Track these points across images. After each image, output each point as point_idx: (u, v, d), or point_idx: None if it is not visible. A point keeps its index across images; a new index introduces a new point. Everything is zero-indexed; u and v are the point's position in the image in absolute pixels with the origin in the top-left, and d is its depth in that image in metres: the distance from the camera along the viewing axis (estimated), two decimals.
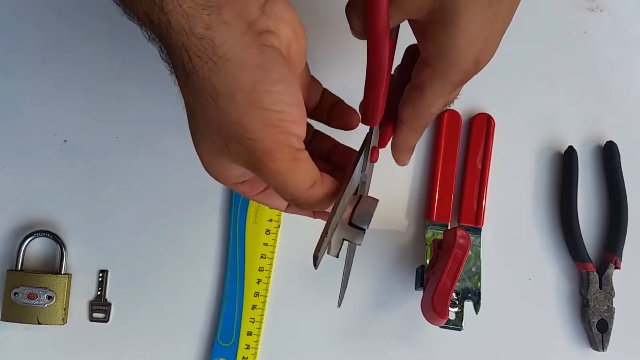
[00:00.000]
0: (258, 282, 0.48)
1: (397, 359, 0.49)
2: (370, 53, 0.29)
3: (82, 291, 0.48)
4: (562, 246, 0.50)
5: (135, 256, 0.49)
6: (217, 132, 0.30)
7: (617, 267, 0.49)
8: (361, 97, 0.33)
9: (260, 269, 0.48)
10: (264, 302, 0.48)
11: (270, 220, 0.49)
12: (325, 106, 0.38)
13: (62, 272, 0.48)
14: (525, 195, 0.51)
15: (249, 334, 0.48)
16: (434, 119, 0.36)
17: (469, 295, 0.47)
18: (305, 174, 0.31)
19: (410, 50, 0.37)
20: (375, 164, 0.38)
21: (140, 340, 0.48)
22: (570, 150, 0.50)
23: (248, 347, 0.48)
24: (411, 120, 0.35)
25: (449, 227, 0.49)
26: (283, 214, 0.47)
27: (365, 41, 0.32)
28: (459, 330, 0.47)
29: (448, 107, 0.46)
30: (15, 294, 0.46)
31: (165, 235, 0.49)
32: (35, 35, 0.50)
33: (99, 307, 0.48)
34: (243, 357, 0.48)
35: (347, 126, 0.38)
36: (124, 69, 0.50)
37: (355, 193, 0.36)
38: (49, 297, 0.47)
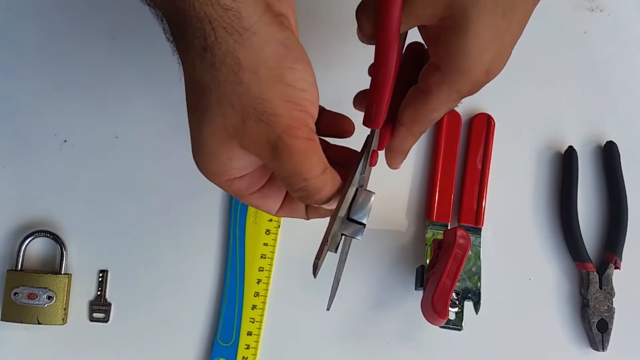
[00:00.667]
0: (258, 282, 0.48)
1: (397, 359, 0.49)
2: (378, 57, 0.29)
3: (82, 291, 0.48)
4: (562, 246, 0.50)
5: (135, 256, 0.49)
6: (233, 109, 0.29)
7: (617, 267, 0.49)
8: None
9: (260, 269, 0.48)
10: (264, 302, 0.48)
11: (270, 220, 0.49)
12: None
13: (62, 272, 0.48)
14: (525, 195, 0.51)
15: (249, 334, 0.48)
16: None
17: (469, 295, 0.47)
18: (319, 157, 0.31)
19: (411, 50, 0.36)
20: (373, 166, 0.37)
21: (140, 340, 0.48)
22: (570, 150, 0.50)
23: (248, 347, 0.48)
24: (410, 124, 0.35)
25: (449, 227, 0.49)
26: None
27: (364, 43, 0.32)
28: (459, 330, 0.47)
29: None
30: (15, 294, 0.46)
31: (165, 235, 0.49)
32: (35, 35, 0.50)
33: (99, 307, 0.48)
34: (243, 357, 0.48)
35: (344, 134, 0.37)
36: (123, 69, 0.50)
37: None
38: (49, 297, 0.47)
